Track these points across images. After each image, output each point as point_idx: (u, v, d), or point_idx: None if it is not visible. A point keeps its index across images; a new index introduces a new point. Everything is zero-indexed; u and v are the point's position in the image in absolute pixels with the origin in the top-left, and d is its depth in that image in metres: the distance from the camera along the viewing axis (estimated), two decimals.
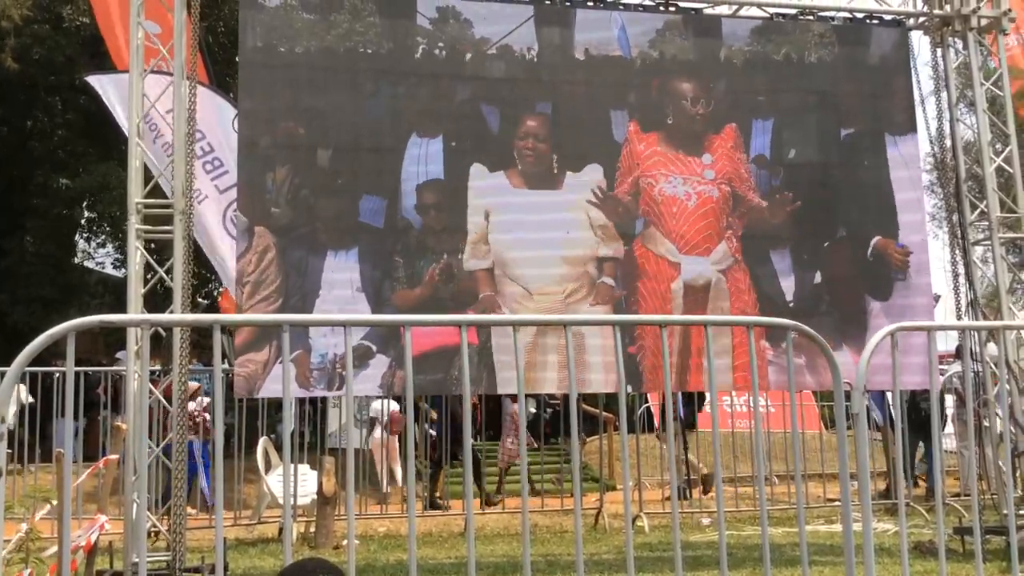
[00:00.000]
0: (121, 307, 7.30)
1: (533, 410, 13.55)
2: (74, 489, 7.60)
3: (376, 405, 11.60)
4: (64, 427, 8.36)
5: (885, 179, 8.58)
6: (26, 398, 10.08)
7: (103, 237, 18.94)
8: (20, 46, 14.21)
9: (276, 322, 3.74)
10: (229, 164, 8.14)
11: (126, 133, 7.42)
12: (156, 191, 7.38)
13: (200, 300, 16.30)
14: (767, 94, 8.48)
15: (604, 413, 12.29)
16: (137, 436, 6.05)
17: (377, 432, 11.68)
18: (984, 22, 8.74)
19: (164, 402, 6.81)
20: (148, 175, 7.45)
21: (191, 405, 9.39)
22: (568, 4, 8.16)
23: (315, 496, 9.26)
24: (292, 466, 8.98)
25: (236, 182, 7.60)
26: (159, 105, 7.45)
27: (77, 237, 19.48)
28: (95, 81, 9.15)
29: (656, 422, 13.57)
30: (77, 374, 9.35)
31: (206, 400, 10.22)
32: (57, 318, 3.54)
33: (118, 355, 12.62)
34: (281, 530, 8.45)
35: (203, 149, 8.28)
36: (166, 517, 7.01)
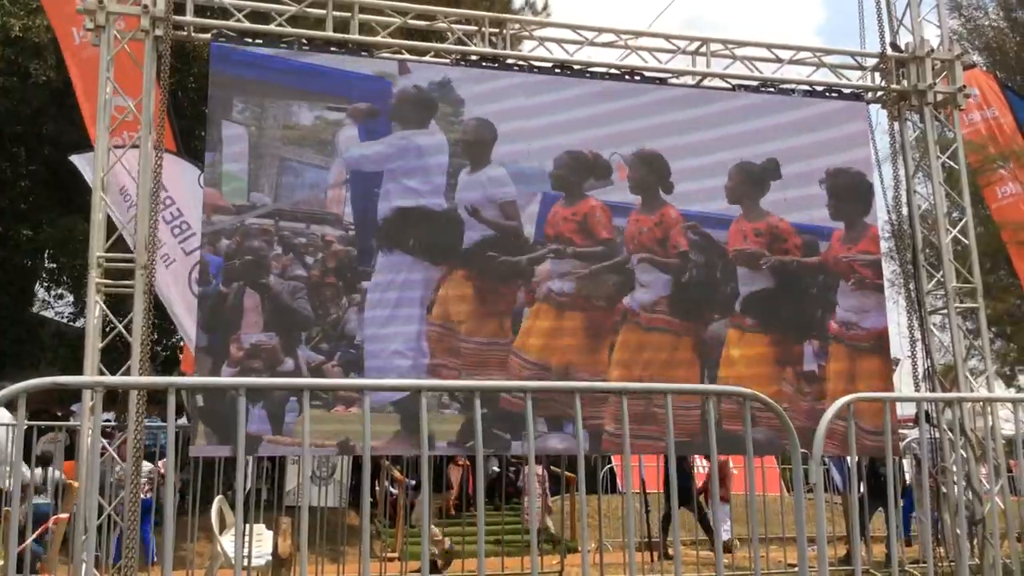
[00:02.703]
0: (76, 360, 7.21)
1: (497, 468, 13.50)
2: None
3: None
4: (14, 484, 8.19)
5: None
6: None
7: (63, 288, 18.73)
8: None
9: (232, 385, 3.71)
10: (195, 227, 8.19)
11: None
12: (118, 245, 7.34)
13: (160, 351, 16.09)
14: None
15: (566, 473, 12.23)
16: (87, 494, 5.93)
17: None
18: (940, 97, 9.01)
19: (117, 459, 6.70)
20: (111, 229, 7.42)
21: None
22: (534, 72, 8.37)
23: (270, 558, 9.08)
24: (247, 526, 8.81)
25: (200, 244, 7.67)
26: (126, 166, 7.46)
27: (37, 286, 19.26)
28: (77, 161, 9.19)
29: (619, 483, 13.51)
30: (29, 429, 9.17)
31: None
32: (9, 370, 3.51)
33: (73, 407, 12.40)
34: None
35: (172, 214, 8.36)
36: None
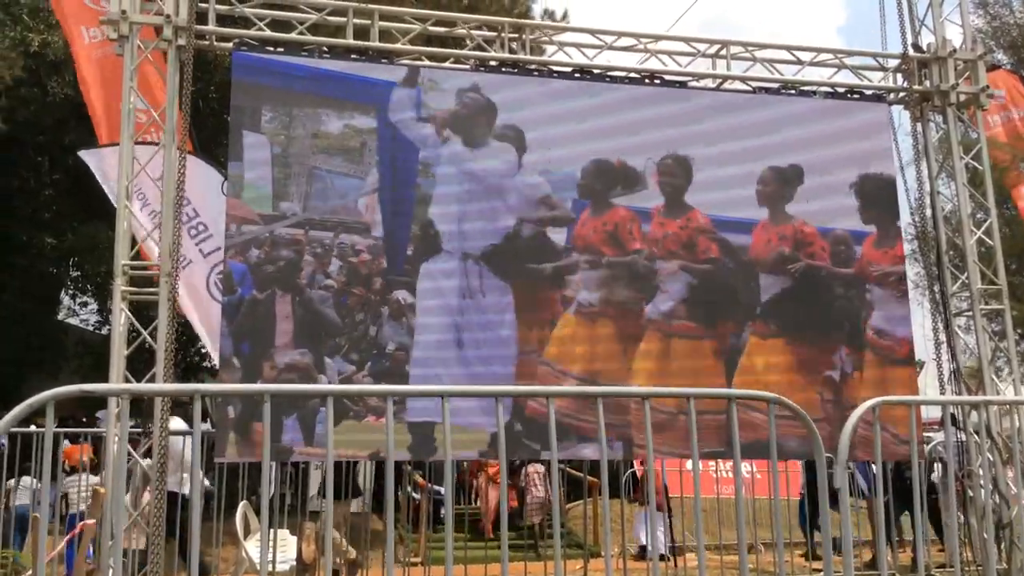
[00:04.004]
0: (100, 368, 7.27)
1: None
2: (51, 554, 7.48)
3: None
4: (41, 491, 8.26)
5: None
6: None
7: (87, 296, 18.90)
8: (9, 107, 14.37)
9: (259, 392, 3.73)
10: (213, 228, 8.23)
11: (114, 203, 7.48)
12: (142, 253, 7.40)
13: (187, 357, 16.19)
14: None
15: (589, 478, 12.21)
16: (114, 500, 5.98)
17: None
18: (963, 98, 8.93)
19: (143, 466, 6.75)
20: (135, 236, 7.48)
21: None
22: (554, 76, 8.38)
23: (294, 563, 9.12)
24: (271, 531, 8.85)
25: (221, 245, 7.71)
26: (148, 172, 7.50)
27: (62, 294, 19.45)
28: (87, 156, 9.23)
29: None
30: (56, 436, 9.26)
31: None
32: (33, 377, 3.56)
33: (98, 415, 12.50)
34: None
35: (188, 215, 8.36)
36: None
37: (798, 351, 8.42)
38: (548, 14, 18.83)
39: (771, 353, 8.40)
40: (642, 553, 11.81)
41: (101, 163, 8.62)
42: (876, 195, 8.75)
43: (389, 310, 7.79)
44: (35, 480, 10.67)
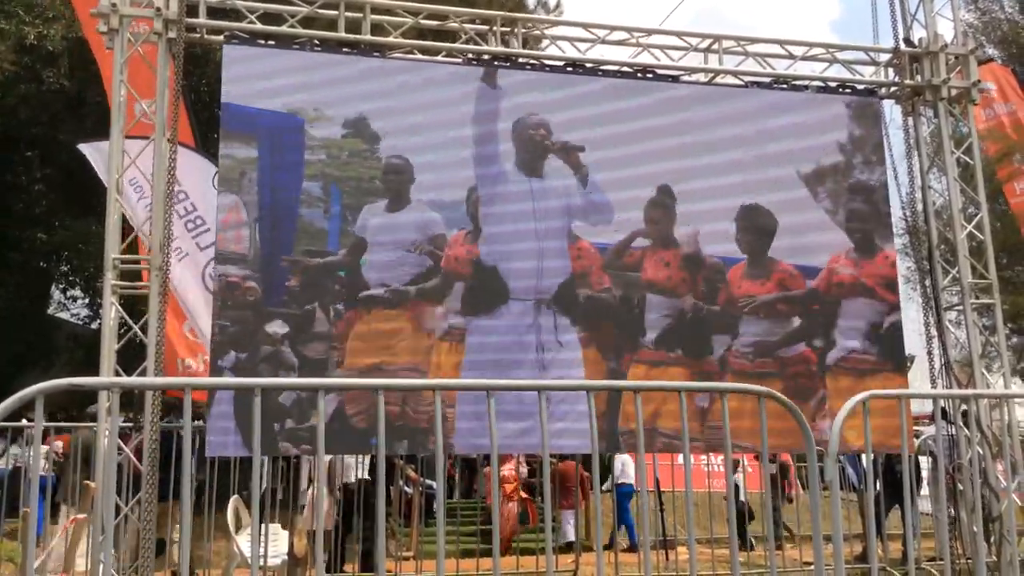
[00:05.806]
0: (91, 362, 7.24)
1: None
2: (41, 549, 7.48)
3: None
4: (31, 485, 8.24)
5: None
6: None
7: (77, 290, 18.89)
8: (3, 106, 14.38)
9: (248, 386, 3.72)
10: (210, 222, 8.22)
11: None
12: (132, 247, 7.37)
13: None
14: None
15: (581, 473, 12.24)
16: (105, 495, 5.96)
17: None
18: (955, 92, 8.95)
19: (135, 461, 6.73)
20: (126, 230, 7.46)
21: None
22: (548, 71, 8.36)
23: (286, 557, 9.12)
24: (262, 525, 8.84)
25: (215, 239, 7.67)
26: (145, 166, 7.49)
27: (53, 288, 19.42)
28: (85, 149, 9.21)
29: (633, 482, 13.51)
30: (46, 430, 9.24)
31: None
32: (26, 372, 3.55)
33: (89, 409, 12.47)
34: None
35: (186, 208, 8.36)
36: None
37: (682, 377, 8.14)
38: (542, 4, 18.83)
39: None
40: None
41: (100, 155, 8.61)
42: (760, 226, 8.55)
43: (265, 344, 7.43)
44: None
